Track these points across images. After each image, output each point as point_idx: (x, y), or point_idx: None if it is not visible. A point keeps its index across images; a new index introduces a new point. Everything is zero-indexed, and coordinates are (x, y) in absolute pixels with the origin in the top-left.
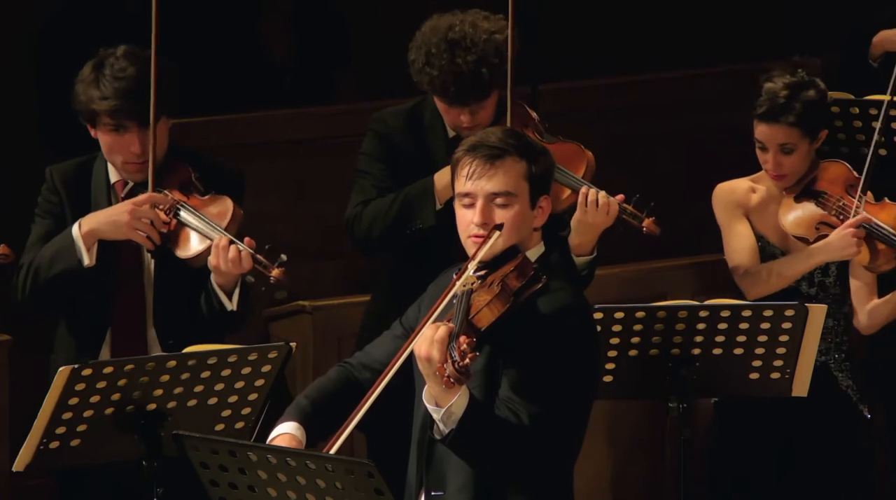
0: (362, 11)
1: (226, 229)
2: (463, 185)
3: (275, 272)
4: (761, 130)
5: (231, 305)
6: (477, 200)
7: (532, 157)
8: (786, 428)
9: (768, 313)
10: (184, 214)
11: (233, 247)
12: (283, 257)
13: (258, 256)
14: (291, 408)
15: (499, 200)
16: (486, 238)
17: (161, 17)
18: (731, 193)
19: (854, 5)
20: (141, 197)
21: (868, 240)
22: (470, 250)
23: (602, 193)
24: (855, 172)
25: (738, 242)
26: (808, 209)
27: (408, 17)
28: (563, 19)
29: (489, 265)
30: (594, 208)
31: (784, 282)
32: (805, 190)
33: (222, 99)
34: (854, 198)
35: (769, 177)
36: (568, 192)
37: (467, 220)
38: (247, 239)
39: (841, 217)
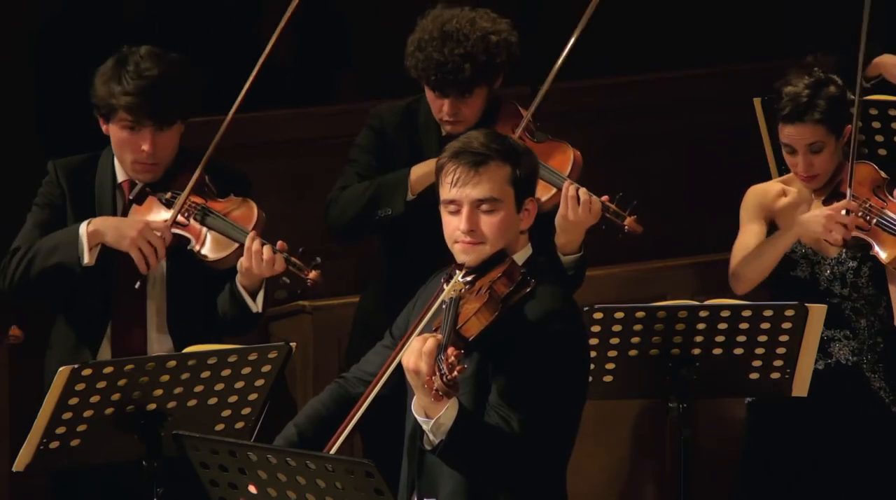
0: (362, 11)
1: (252, 231)
2: (448, 192)
3: (312, 274)
4: (788, 132)
5: (256, 307)
6: (462, 207)
7: (516, 160)
8: (817, 428)
9: (768, 313)
10: (209, 219)
11: (266, 249)
12: (318, 259)
13: (292, 258)
14: (279, 438)
15: (484, 207)
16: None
17: (160, 17)
18: (760, 195)
19: (853, 6)
20: (159, 223)
21: (889, 236)
22: (457, 256)
23: (584, 190)
24: (882, 173)
25: (744, 241)
26: None
27: (408, 17)
28: (562, 19)
29: (477, 270)
30: (576, 205)
31: (762, 266)
32: (833, 191)
33: (222, 99)
34: (881, 198)
35: (800, 179)
36: (554, 190)
37: (453, 226)
38: (280, 243)
39: (867, 218)
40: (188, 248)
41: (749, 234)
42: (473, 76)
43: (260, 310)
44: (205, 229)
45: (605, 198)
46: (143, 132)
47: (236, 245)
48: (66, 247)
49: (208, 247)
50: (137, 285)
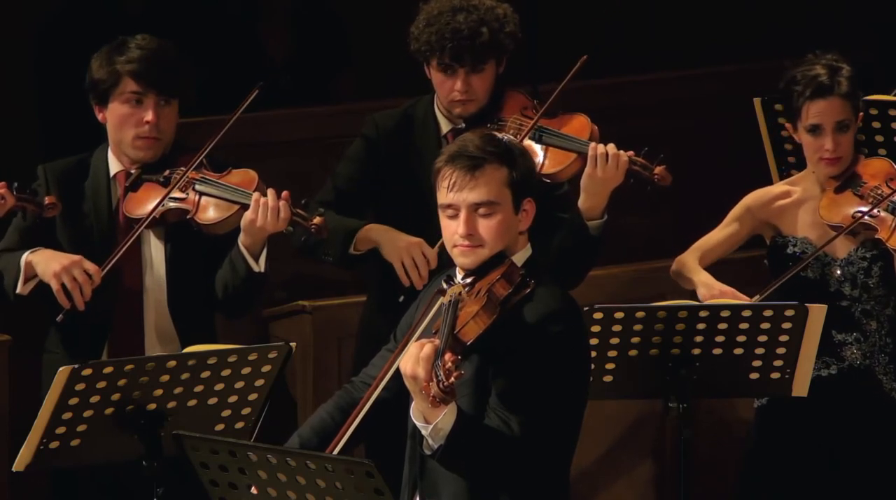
0: (362, 11)
1: (255, 192)
2: (445, 196)
3: (316, 220)
4: (817, 109)
5: (258, 267)
6: (460, 211)
7: (512, 161)
8: (829, 432)
9: (768, 313)
10: (201, 186)
11: (271, 197)
12: (321, 209)
13: (295, 209)
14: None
15: (482, 210)
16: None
17: (160, 16)
18: (754, 198)
19: (853, 6)
20: (91, 266)
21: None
22: (456, 260)
23: (611, 145)
24: None
25: (711, 237)
26: (846, 198)
27: (408, 18)
28: (562, 19)
29: (476, 272)
30: (604, 163)
31: (682, 282)
32: (847, 180)
33: (222, 99)
34: (892, 189)
35: (823, 163)
36: (573, 157)
37: (451, 230)
38: (284, 193)
39: (877, 204)
40: (187, 218)
41: (719, 232)
42: (490, 42)
43: (262, 270)
44: (204, 197)
45: (630, 153)
46: (147, 103)
47: (237, 207)
48: (10, 272)
49: (208, 212)
50: (59, 317)
